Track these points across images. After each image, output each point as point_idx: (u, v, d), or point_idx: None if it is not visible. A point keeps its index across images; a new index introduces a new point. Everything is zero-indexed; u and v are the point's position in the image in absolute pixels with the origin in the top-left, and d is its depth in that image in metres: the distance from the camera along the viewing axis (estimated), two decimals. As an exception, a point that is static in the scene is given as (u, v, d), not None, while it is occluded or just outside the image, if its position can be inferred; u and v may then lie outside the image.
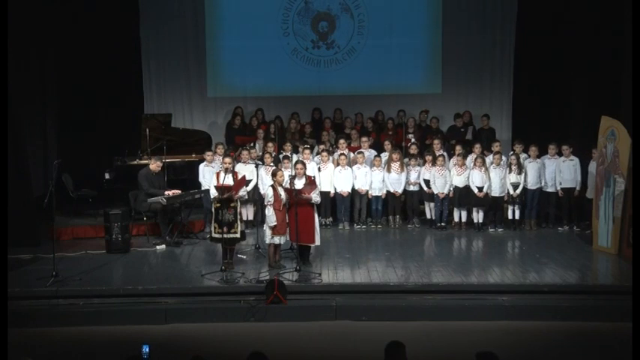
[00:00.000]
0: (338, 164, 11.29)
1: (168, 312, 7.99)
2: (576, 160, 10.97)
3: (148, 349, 5.08)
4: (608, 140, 9.76)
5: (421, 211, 11.65)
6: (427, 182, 11.19)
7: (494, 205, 11.10)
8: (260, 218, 10.53)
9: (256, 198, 10.83)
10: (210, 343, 7.35)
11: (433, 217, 11.30)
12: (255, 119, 12.84)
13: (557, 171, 11.02)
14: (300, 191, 8.70)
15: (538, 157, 11.12)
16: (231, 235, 8.77)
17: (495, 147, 11.41)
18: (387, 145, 11.62)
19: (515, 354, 6.65)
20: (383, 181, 11.29)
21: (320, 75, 13.78)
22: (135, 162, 11.67)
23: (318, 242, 9.04)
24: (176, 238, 10.41)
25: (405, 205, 11.57)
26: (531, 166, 11.04)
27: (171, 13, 13.59)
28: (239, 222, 8.84)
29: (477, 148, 11.32)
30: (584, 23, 12.68)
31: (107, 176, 11.66)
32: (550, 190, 11.11)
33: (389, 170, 11.22)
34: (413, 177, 11.29)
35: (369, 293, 8.32)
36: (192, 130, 12.88)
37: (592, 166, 10.61)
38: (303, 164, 9.47)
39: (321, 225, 10.26)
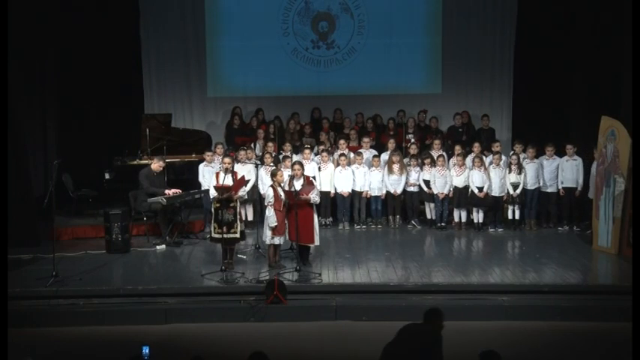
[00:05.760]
0: (338, 164, 11.30)
1: (168, 312, 7.99)
2: (579, 160, 10.95)
3: (148, 350, 5.06)
4: (608, 140, 9.76)
5: (421, 211, 11.65)
6: (427, 182, 11.19)
7: (494, 205, 11.10)
8: (259, 218, 10.52)
9: (256, 198, 10.83)
10: (210, 343, 7.35)
11: (433, 217, 11.31)
12: (255, 119, 12.85)
13: (559, 170, 11.02)
14: (299, 192, 8.70)
15: (536, 157, 11.13)
16: (231, 235, 8.77)
17: (495, 147, 11.41)
18: (392, 143, 11.61)
19: (515, 354, 6.64)
20: (382, 181, 11.29)
21: (320, 75, 13.78)
22: (135, 162, 11.67)
23: (317, 242, 9.04)
24: (176, 238, 10.41)
25: (405, 206, 11.57)
26: (529, 167, 11.04)
27: (171, 13, 13.60)
28: (239, 222, 8.84)
29: (477, 147, 11.33)
30: (584, 23, 12.68)
31: (107, 176, 11.66)
32: (550, 190, 11.11)
33: (389, 171, 11.22)
34: (413, 177, 11.29)
35: (369, 293, 8.32)
36: (192, 130, 12.89)
37: (594, 167, 10.61)
38: (301, 165, 9.45)
39: (321, 225, 10.27)
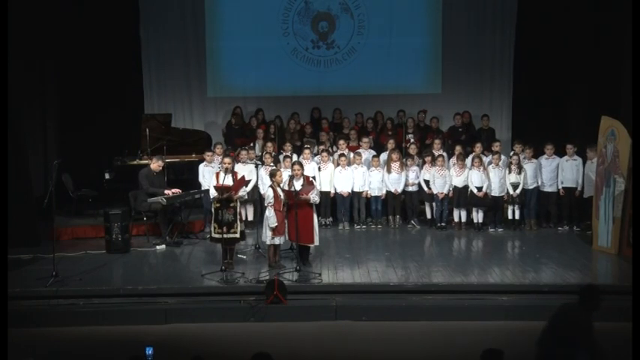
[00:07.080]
0: (338, 164, 11.30)
1: (168, 312, 8.00)
2: (579, 160, 10.95)
3: (151, 351, 5.02)
4: (608, 140, 9.77)
5: (421, 211, 11.65)
6: (427, 182, 11.19)
7: (494, 205, 11.09)
8: (259, 218, 10.51)
9: (256, 198, 10.84)
10: (210, 343, 7.36)
11: (433, 217, 11.30)
12: (255, 119, 12.85)
13: (559, 169, 11.02)
14: (298, 192, 8.70)
15: (534, 157, 11.12)
16: (231, 235, 8.77)
17: (495, 147, 11.41)
18: (392, 143, 11.60)
19: (515, 354, 6.64)
20: (382, 181, 11.29)
21: (320, 75, 13.77)
22: (135, 162, 11.67)
23: (317, 242, 9.05)
24: (176, 238, 10.42)
25: (405, 205, 11.57)
26: (528, 167, 11.05)
27: (171, 13, 13.58)
28: (239, 222, 8.84)
29: (478, 147, 11.33)
30: (584, 23, 12.68)
31: (107, 176, 11.67)
32: (550, 190, 11.11)
33: (389, 170, 11.22)
34: (412, 177, 11.29)
35: (369, 293, 8.32)
36: (192, 130, 12.89)
37: (588, 167, 10.62)
38: (301, 165, 9.46)
39: (321, 225, 10.28)
